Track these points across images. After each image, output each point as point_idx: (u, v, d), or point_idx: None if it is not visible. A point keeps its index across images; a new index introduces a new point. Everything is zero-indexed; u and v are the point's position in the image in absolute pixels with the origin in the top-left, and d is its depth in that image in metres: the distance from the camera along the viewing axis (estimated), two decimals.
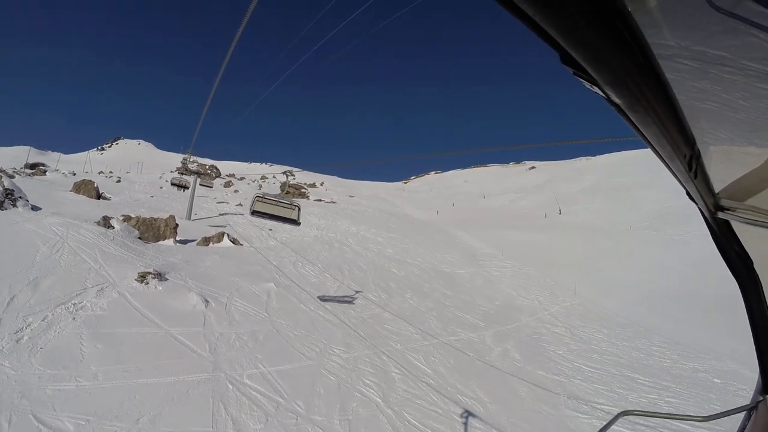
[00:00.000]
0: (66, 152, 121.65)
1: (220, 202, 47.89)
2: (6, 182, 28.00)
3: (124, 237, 21.36)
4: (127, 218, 28.92)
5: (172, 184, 38.00)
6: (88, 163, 78.65)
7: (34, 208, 25.42)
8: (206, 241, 27.21)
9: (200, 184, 38.40)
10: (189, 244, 27.09)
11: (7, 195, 27.30)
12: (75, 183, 39.37)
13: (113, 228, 21.44)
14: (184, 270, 19.36)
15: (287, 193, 67.30)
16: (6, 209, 26.82)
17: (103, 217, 21.98)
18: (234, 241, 28.81)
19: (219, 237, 27.75)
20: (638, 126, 0.97)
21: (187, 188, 35.99)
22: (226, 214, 40.96)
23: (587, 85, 0.87)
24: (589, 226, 50.95)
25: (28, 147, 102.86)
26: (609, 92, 0.85)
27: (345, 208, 55.13)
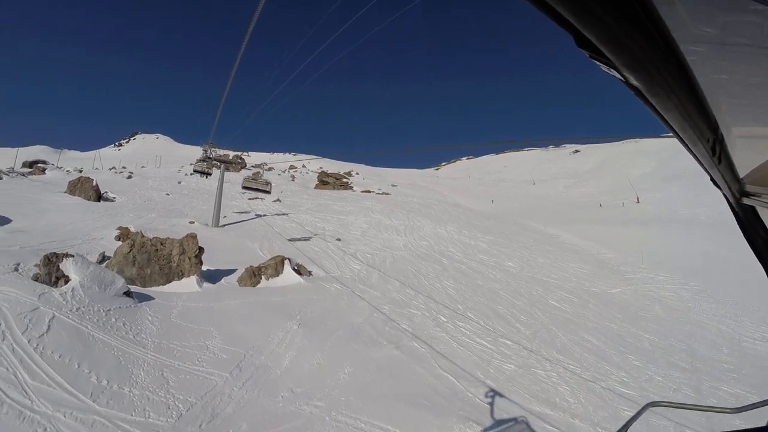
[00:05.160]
0: (83, 150, 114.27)
1: (252, 199, 37.17)
2: None
3: (91, 299, 9.75)
4: (122, 235, 17.37)
5: (194, 171, 32.00)
6: (98, 159, 68.80)
7: (0, 221, 19.31)
8: (255, 274, 15.52)
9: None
10: (225, 280, 15.64)
11: None
12: (70, 182, 30.45)
13: (63, 286, 9.76)
14: (245, 409, 8.01)
15: (326, 183, 54.01)
16: None
17: (46, 257, 10.30)
18: (299, 269, 16.98)
19: (277, 266, 16.08)
20: (659, 110, 0.95)
21: (210, 174, 30.51)
22: (264, 215, 29.73)
23: (604, 68, 0.84)
24: (690, 219, 40.47)
25: (44, 146, 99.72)
26: (627, 75, 0.83)
27: (404, 201, 45.83)
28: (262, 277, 15.65)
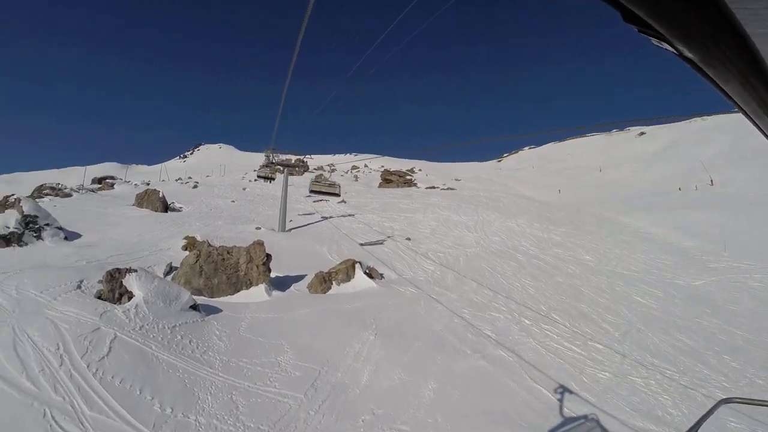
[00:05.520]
0: (149, 164, 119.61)
1: (317, 201, 36.54)
2: (28, 207, 17.83)
3: (155, 316, 8.98)
4: (189, 244, 16.92)
5: (258, 176, 31.92)
6: (164, 171, 71.45)
7: (70, 236, 19.39)
8: (325, 280, 14.53)
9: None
10: (294, 287, 14.77)
11: (27, 224, 16.72)
12: (137, 195, 31.15)
13: (126, 302, 9.03)
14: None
15: (390, 181, 51.93)
16: (26, 244, 16.38)
17: (109, 273, 9.62)
18: (370, 273, 15.83)
19: (348, 270, 15.02)
20: (717, 82, 0.90)
21: (273, 179, 30.31)
22: (330, 217, 28.92)
23: (655, 42, 0.81)
24: None
25: (113, 163, 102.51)
26: (680, 48, 0.80)
27: (470, 195, 43.94)
28: (333, 282, 14.64)
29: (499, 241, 23.77)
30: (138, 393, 6.85)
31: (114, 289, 9.49)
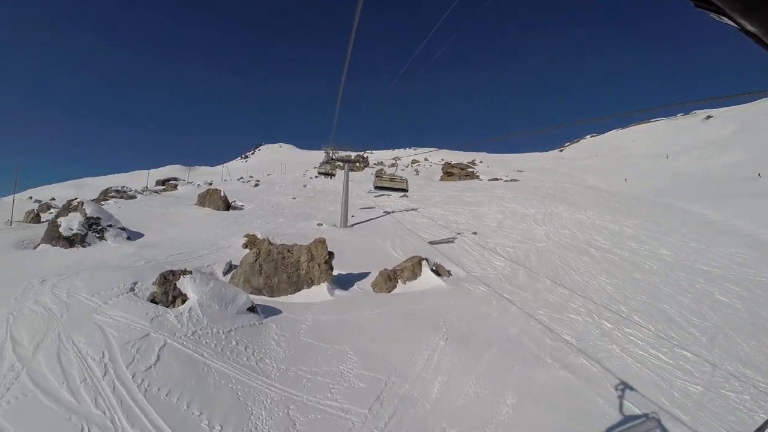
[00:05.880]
0: (212, 165, 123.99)
1: (378, 196, 35.91)
2: (91, 209, 17.99)
3: (210, 320, 8.26)
4: (249, 242, 16.45)
5: (319, 173, 30.96)
6: (226, 171, 73.41)
7: (132, 236, 19.64)
8: (390, 278, 13.51)
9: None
10: (358, 286, 13.89)
11: (90, 226, 16.86)
12: (199, 195, 31.70)
13: (180, 305, 8.36)
14: None
15: (451, 174, 49.85)
16: (89, 245, 16.48)
17: (162, 276, 9.02)
18: (437, 270, 14.65)
19: (414, 268, 13.89)
20: None
21: (334, 175, 29.51)
22: (393, 211, 27.97)
23: (715, 17, 0.78)
24: None
25: (177, 165, 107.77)
26: (741, 21, 0.75)
27: (535, 186, 41.56)
28: (398, 280, 13.59)
29: (569, 234, 21.92)
30: (185, 408, 6.06)
31: (167, 292, 8.89)
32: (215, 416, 6.08)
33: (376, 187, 22.75)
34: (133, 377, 6.35)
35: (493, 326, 10.77)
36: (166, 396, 6.18)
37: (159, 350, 7.00)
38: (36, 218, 24.73)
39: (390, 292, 13.20)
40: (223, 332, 8.19)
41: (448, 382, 7.93)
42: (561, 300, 13.17)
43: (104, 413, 5.68)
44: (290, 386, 7.19)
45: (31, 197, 53.77)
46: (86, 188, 62.81)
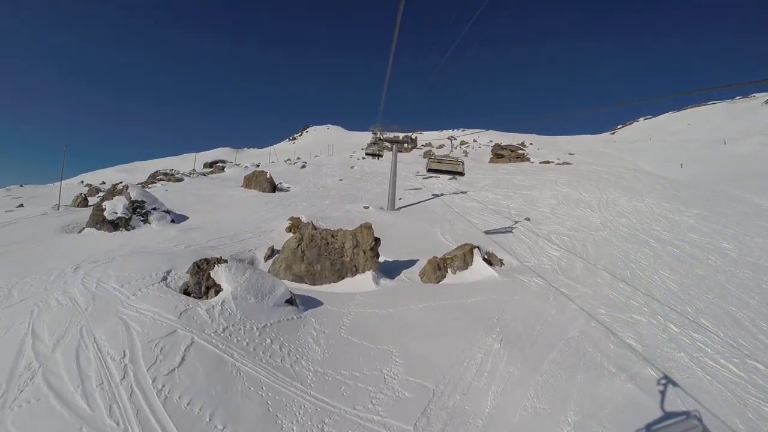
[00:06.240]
0: (260, 147, 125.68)
1: (426, 178, 35.20)
2: (135, 193, 17.96)
3: (243, 314, 7.59)
4: (293, 226, 15.86)
5: (366, 154, 30.04)
6: (273, 153, 73.92)
7: (177, 219, 19.65)
8: (439, 267, 12.53)
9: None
10: (404, 274, 13.04)
11: (135, 209, 16.79)
12: (245, 177, 31.48)
13: (213, 297, 7.70)
14: None
15: (501, 156, 47.37)
16: (133, 228, 16.42)
17: (195, 265, 8.38)
18: (489, 258, 13.54)
19: (465, 257, 12.82)
20: None
21: (381, 156, 28.61)
22: (442, 194, 26.92)
23: None
24: None
25: (225, 148, 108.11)
26: None
27: (588, 170, 38.65)
28: (448, 270, 12.60)
29: (627, 223, 20.16)
30: (207, 420, 5.36)
31: (200, 282, 8.27)
32: (239, 431, 5.35)
33: (429, 170, 19.81)
34: (153, 382, 5.72)
35: (551, 326, 9.61)
36: (188, 405, 5.50)
37: (185, 350, 6.36)
38: (84, 202, 25.12)
39: (438, 282, 12.23)
40: (258, 328, 7.49)
41: (503, 393, 6.93)
42: (622, 297, 11.82)
43: (117, 424, 5.06)
44: (327, 394, 6.39)
45: (82, 181, 55.88)
46: (136, 172, 64.70)
